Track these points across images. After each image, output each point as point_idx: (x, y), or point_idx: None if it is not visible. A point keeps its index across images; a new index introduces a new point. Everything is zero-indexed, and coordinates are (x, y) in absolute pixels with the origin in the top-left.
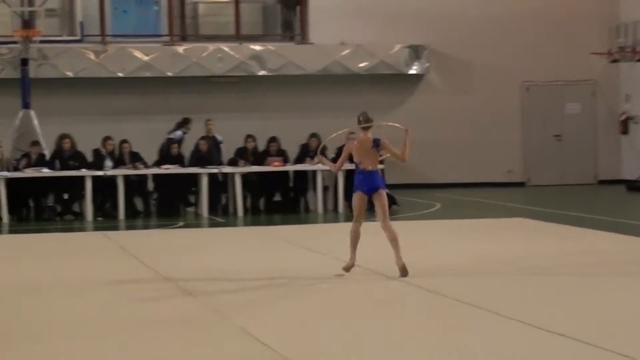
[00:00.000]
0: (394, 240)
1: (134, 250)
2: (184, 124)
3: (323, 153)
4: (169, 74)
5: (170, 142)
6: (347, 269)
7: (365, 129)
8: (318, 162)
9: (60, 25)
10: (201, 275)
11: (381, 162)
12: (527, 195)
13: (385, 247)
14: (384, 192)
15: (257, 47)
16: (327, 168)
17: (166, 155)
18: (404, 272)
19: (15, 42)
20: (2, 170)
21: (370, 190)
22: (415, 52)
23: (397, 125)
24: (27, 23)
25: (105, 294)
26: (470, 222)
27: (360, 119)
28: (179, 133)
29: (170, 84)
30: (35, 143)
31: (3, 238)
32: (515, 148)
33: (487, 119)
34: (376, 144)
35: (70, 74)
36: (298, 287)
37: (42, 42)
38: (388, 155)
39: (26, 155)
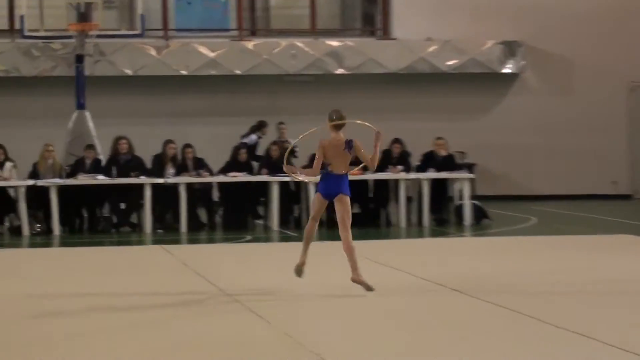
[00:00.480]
0: (349, 253)
1: (196, 266)
2: (259, 127)
3: (291, 156)
4: (237, 72)
5: (239, 147)
6: (298, 269)
7: (338, 127)
8: (289, 173)
9: (119, 18)
10: (269, 293)
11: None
12: (633, 209)
13: (451, 259)
14: (346, 198)
15: (334, 42)
16: (301, 179)
17: (233, 161)
18: (363, 285)
19: (69, 37)
20: (54, 177)
21: (330, 196)
22: (510, 48)
23: (369, 125)
24: (83, 16)
25: (163, 312)
26: (568, 238)
27: (333, 116)
28: (253, 137)
29: (239, 83)
30: (90, 147)
31: (54, 251)
32: (621, 156)
33: (589, 123)
34: (349, 145)
35: (129, 71)
36: (373, 306)
37: (98, 36)
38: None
39: (80, 160)
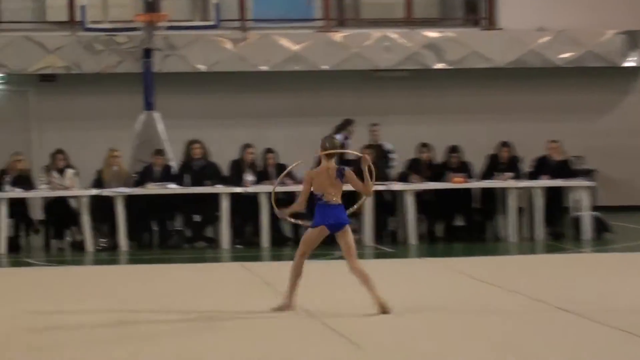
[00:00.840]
0: (366, 282)
1: (279, 285)
2: (344, 126)
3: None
4: (324, 67)
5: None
6: (281, 309)
7: (331, 156)
8: (282, 218)
9: (191, 8)
10: (360, 315)
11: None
12: None
13: (568, 278)
14: (349, 229)
15: (432, 33)
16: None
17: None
18: (384, 309)
19: (136, 29)
20: (119, 186)
21: (336, 227)
22: (632, 39)
23: (354, 152)
24: (151, 6)
25: (243, 335)
26: None
27: (327, 144)
28: (339, 138)
29: (325, 80)
30: (159, 152)
31: (121, 269)
32: None
33: None
34: (340, 173)
35: (202, 67)
36: (479, 328)
37: (168, 28)
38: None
39: (148, 167)
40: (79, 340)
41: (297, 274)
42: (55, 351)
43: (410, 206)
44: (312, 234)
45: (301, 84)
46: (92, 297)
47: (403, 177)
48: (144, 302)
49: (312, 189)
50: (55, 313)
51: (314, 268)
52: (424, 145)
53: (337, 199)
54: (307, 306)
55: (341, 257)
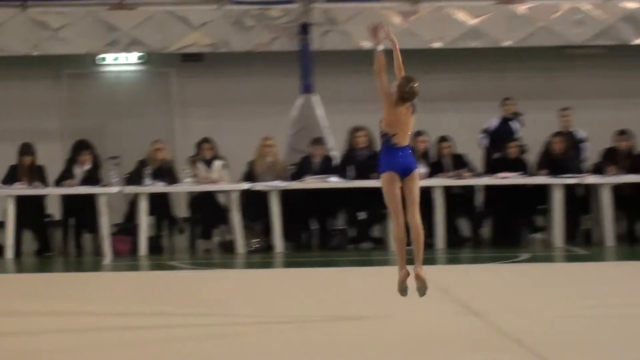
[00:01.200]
0: (418, 243)
1: (458, 292)
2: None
3: None
4: (506, 43)
5: (506, 139)
6: (401, 286)
7: (406, 100)
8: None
9: None
10: (557, 334)
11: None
12: None
13: None
14: (418, 175)
15: (632, 4)
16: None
17: (502, 158)
18: (422, 285)
19: (292, 2)
20: (274, 179)
21: (405, 172)
22: None
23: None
24: None
25: (425, 350)
26: None
27: (407, 87)
28: (516, 125)
29: (508, 58)
30: (318, 141)
31: (276, 273)
32: None
33: None
34: (414, 109)
35: (366, 44)
36: None
37: (328, 0)
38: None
39: (306, 158)
40: (231, 352)
41: (400, 239)
42: None
43: (606, 202)
44: (385, 184)
45: (480, 63)
46: (243, 305)
47: (598, 169)
48: (303, 308)
49: (381, 125)
50: (199, 321)
51: (499, 273)
52: (622, 132)
53: (406, 142)
54: (493, 319)
55: (528, 260)
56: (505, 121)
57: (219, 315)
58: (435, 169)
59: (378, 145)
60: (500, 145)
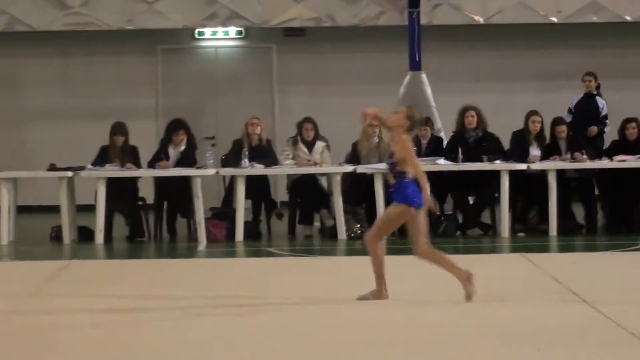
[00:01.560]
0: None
1: (571, 282)
2: None
3: None
4: (627, 17)
5: (629, 120)
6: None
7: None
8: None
9: None
10: None
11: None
12: None
13: None
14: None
15: None
16: None
17: (622, 140)
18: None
19: None
20: (379, 162)
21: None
22: None
23: None
24: None
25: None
26: None
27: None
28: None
29: (628, 34)
30: (426, 121)
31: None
32: None
33: None
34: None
35: (479, 18)
36: None
37: None
38: None
39: (414, 138)
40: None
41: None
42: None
43: None
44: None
45: (601, 39)
46: (343, 292)
47: None
48: (408, 295)
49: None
50: (296, 309)
51: (616, 262)
52: None
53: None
54: (612, 316)
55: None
56: (587, 97)
57: (317, 304)
58: (550, 151)
59: (489, 126)
60: (584, 123)
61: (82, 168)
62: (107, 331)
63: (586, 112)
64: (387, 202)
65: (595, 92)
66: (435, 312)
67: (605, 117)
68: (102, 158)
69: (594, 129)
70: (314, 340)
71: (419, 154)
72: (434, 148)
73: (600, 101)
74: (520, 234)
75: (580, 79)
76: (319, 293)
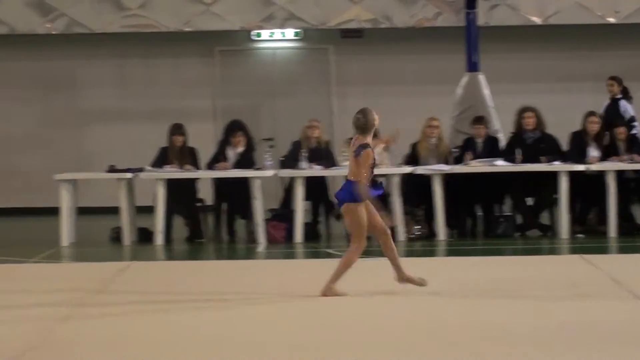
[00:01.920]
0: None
1: (633, 285)
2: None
3: None
4: None
5: None
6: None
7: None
8: None
9: None
10: None
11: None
12: None
13: None
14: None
15: None
16: None
17: None
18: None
19: None
20: (438, 162)
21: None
22: None
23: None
24: None
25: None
26: None
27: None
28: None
29: None
30: (479, 120)
31: (438, 262)
32: None
33: None
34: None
35: (537, 19)
36: None
37: None
38: None
39: (469, 140)
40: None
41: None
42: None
43: None
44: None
45: None
46: (398, 293)
47: None
48: (468, 299)
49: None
50: (356, 310)
51: None
52: None
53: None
54: None
55: None
56: (613, 102)
57: (374, 306)
58: (608, 152)
59: (548, 127)
60: (610, 126)
61: (141, 169)
62: (174, 318)
63: (613, 116)
64: (446, 203)
65: (620, 96)
66: (503, 311)
67: (632, 119)
68: (161, 159)
69: (620, 131)
70: (378, 337)
71: (475, 153)
72: (491, 148)
73: (623, 104)
74: (580, 235)
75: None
76: (378, 293)
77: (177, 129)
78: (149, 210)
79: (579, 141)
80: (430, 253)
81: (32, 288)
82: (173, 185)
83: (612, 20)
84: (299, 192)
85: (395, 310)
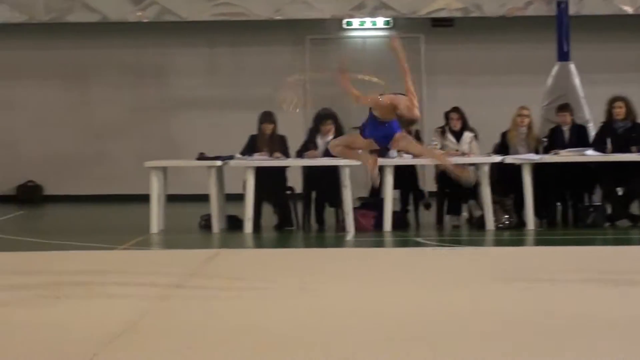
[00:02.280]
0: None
1: None
2: None
3: None
4: None
5: None
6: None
7: None
8: None
9: None
10: None
11: None
12: None
13: None
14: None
15: None
16: None
17: None
18: None
19: None
20: (528, 152)
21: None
22: None
23: None
24: None
25: None
26: None
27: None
28: None
29: None
30: (564, 107)
31: (526, 251)
32: None
33: None
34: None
35: (628, 9)
36: None
37: None
38: None
39: (556, 129)
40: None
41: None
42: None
43: None
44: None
45: None
46: (490, 284)
47: None
48: (560, 289)
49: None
50: (447, 301)
51: None
52: None
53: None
54: None
55: None
56: None
57: (462, 298)
58: None
59: (638, 116)
60: None
61: (231, 157)
62: (266, 304)
63: None
64: (536, 192)
65: None
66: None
67: None
68: (251, 147)
69: None
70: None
71: (562, 141)
72: (578, 137)
73: None
74: None
75: None
76: (468, 282)
77: (267, 117)
78: (238, 198)
79: None
80: (518, 242)
81: (126, 271)
82: (262, 173)
83: (629, 10)
84: (389, 180)
85: (498, 301)
